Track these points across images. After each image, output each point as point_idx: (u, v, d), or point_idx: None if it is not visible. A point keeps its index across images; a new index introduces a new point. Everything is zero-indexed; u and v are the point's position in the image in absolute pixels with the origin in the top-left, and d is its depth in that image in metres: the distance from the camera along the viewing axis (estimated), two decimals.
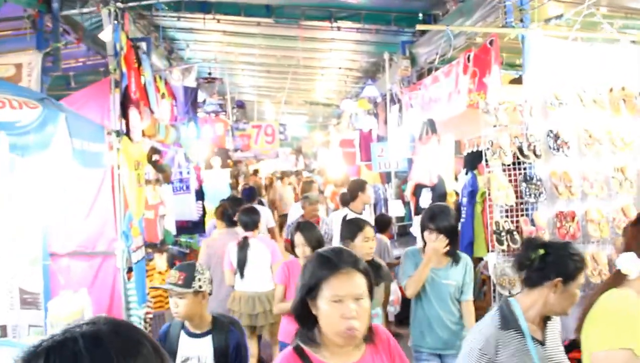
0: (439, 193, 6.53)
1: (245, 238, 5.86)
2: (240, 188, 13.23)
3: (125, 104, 5.46)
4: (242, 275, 5.76)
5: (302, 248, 4.71)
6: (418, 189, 6.77)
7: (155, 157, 6.58)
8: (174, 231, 7.71)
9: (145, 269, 6.14)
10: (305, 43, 11.00)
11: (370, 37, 10.38)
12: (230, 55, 12.23)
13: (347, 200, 6.95)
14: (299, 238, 4.74)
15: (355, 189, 6.68)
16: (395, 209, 9.22)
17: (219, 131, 11.98)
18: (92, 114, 5.33)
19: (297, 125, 23.18)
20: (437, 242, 4.11)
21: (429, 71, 9.36)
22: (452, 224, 4.21)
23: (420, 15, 9.26)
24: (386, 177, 12.95)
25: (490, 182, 5.62)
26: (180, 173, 8.72)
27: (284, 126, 16.07)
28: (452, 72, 7.04)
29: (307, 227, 4.83)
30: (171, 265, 7.34)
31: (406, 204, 9.43)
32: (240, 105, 11.65)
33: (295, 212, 7.65)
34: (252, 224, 5.91)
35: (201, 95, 11.08)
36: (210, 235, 7.64)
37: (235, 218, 6.22)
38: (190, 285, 3.28)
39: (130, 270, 5.65)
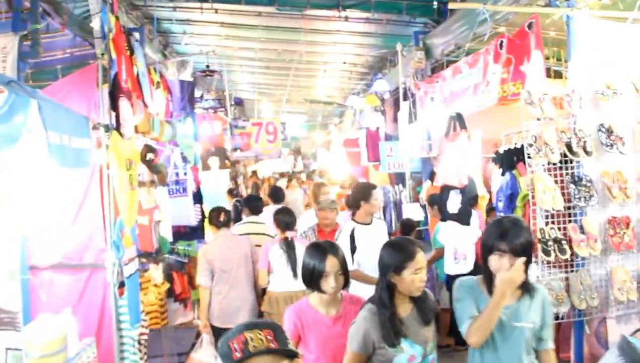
0: (470, 196, 5.81)
1: (289, 239, 5.74)
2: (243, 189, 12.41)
3: (115, 93, 4.71)
4: (295, 274, 5.54)
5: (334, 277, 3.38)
6: (445, 191, 6.04)
7: (149, 156, 5.82)
8: (170, 238, 6.94)
9: (139, 283, 5.38)
10: (309, 35, 10.29)
11: (378, 28, 9.68)
12: (228, 49, 11.47)
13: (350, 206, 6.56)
14: (331, 264, 3.36)
15: (357, 199, 5.69)
16: (412, 213, 8.50)
17: (216, 129, 11.19)
18: (76, 105, 4.58)
19: (295, 124, 22.46)
20: (515, 272, 2.93)
21: (446, 64, 8.66)
22: (529, 241, 3.08)
23: (435, 3, 8.56)
24: (396, 178, 12.27)
25: (534, 184, 4.90)
26: (177, 174, 7.94)
27: (283, 125, 15.28)
28: (479, 62, 6.34)
29: (334, 248, 3.56)
30: (168, 276, 6.58)
31: (423, 208, 8.70)
32: (239, 102, 10.90)
33: (307, 221, 6.74)
34: (292, 224, 5.86)
35: (198, 91, 10.29)
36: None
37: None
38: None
39: (122, 285, 4.90)
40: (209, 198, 9.73)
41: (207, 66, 9.41)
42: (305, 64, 12.53)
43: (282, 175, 19.12)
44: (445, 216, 6.04)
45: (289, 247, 5.69)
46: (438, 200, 7.05)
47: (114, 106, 4.72)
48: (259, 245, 6.12)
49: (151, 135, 6.23)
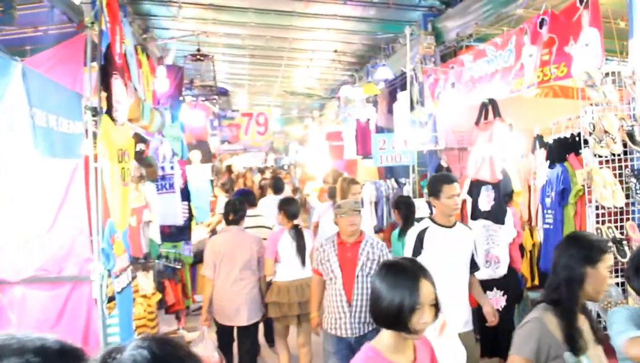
0: (505, 192, 5.08)
1: (298, 226, 5.61)
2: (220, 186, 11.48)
3: (107, 70, 3.81)
4: (303, 263, 5.50)
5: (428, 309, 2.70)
6: (476, 187, 5.30)
7: (139, 147, 4.92)
8: (159, 240, 6.05)
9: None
10: (301, 20, 9.43)
11: (378, 12, 8.88)
12: (212, 35, 10.49)
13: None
14: (426, 291, 2.36)
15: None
16: (417, 209, 7.74)
17: (199, 120, 10.18)
18: (61, 83, 3.66)
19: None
20: None
21: (456, 51, 7.93)
22: None
23: None
24: (387, 172, 11.52)
25: (591, 178, 4.19)
26: (163, 168, 7.03)
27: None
28: (511, 43, 5.60)
29: (423, 269, 2.48)
30: (159, 285, 5.69)
31: (427, 204, 7.95)
32: (223, 92, 9.95)
33: (327, 230, 5.83)
34: (297, 213, 5.76)
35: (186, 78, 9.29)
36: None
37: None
38: None
39: (111, 299, 4.03)
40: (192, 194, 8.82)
41: (198, 50, 8.41)
42: (292, 52, 11.63)
43: (262, 171, 17.97)
44: (475, 214, 5.30)
45: (298, 235, 5.54)
46: (407, 203, 6.61)
47: (106, 85, 3.82)
48: (265, 239, 5.84)
49: (140, 123, 5.36)
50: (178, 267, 6.25)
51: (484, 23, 6.53)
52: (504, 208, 5.07)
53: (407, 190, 8.49)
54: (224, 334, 5.53)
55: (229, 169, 18.31)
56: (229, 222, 5.70)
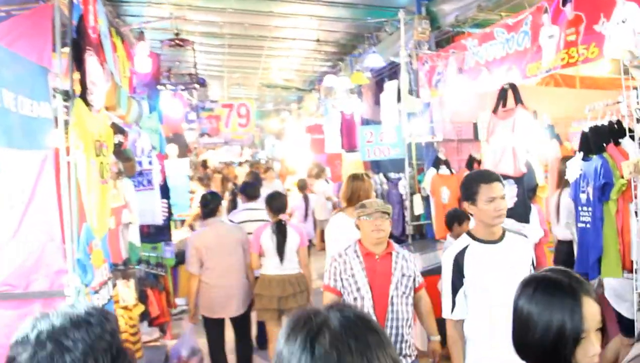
0: (529, 186, 4.56)
1: (282, 222, 5.45)
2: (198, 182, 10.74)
3: (80, 45, 3.14)
4: (281, 259, 5.34)
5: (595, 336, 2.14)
6: None
7: (118, 139, 4.24)
8: (139, 243, 5.37)
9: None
10: (284, 5, 8.79)
11: None
12: (187, 23, 9.74)
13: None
14: (591, 312, 1.77)
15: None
16: (414, 205, 7.25)
17: (176, 112, 9.41)
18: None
19: None
20: None
21: (452, 37, 7.40)
22: None
23: None
24: (374, 167, 10.96)
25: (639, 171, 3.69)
26: (140, 163, 6.33)
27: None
28: (526, 24, 5.09)
29: (583, 284, 1.81)
30: (141, 295, 5.03)
31: (424, 199, 7.43)
32: (202, 82, 9.24)
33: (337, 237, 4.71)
34: (284, 207, 5.68)
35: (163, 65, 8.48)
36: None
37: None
38: None
39: None
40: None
41: (177, 34, 7.63)
42: (272, 41, 10.95)
43: (252, 164, 17.06)
44: None
45: (279, 230, 5.39)
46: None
47: (78, 63, 3.14)
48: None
49: (117, 113, 4.67)
50: (161, 273, 5.57)
51: (487, 5, 6.00)
52: (528, 204, 4.54)
53: (402, 186, 7.94)
54: (213, 329, 5.33)
55: (204, 164, 17.54)
56: (204, 216, 5.58)
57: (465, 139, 7.30)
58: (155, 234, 6.88)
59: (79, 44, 3.10)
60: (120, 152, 4.36)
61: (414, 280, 3.50)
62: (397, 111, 8.94)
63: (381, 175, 10.13)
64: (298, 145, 14.79)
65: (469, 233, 3.12)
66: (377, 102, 9.74)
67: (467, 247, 3.04)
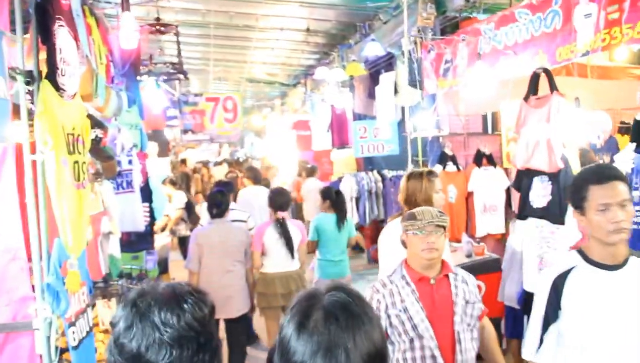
0: (566, 184, 3.99)
1: (284, 219, 5.44)
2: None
3: (47, 11, 2.47)
4: (292, 255, 5.41)
5: None
6: (525, 178, 4.19)
7: (95, 133, 3.56)
8: (119, 254, 4.68)
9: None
10: None
11: None
12: (167, 10, 9.01)
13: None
14: None
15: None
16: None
17: (155, 107, 8.65)
18: None
19: None
20: None
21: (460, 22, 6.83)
22: None
23: None
24: (367, 164, 10.38)
25: None
26: (120, 163, 5.63)
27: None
28: (555, 3, 4.53)
29: None
30: None
31: None
32: (185, 75, 8.53)
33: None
34: (285, 205, 5.61)
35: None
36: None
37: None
38: None
39: (64, 351, 2.74)
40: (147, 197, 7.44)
41: (158, 19, 6.87)
42: (259, 32, 10.27)
43: (231, 163, 16.21)
44: (525, 211, 4.20)
45: (282, 227, 5.39)
46: (329, 193, 6.09)
47: (45, 35, 2.48)
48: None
49: (94, 104, 4.00)
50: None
51: None
52: (564, 204, 3.98)
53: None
54: None
55: (183, 163, 16.79)
56: (213, 216, 5.36)
57: (473, 133, 6.75)
58: (136, 242, 6.17)
59: (45, 9, 2.43)
60: (98, 149, 3.68)
61: (478, 307, 2.75)
62: (393, 105, 8.37)
63: (375, 172, 9.56)
64: (281, 142, 14.12)
65: (580, 252, 2.28)
66: (370, 95, 9.14)
67: (572, 269, 2.23)
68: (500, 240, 6.58)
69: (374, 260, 9.74)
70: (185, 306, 1.36)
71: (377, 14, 9.05)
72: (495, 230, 6.60)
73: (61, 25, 2.49)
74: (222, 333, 5.20)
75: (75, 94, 2.63)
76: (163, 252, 7.78)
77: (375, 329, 1.32)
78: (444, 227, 2.68)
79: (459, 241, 6.63)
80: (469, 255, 5.71)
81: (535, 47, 4.78)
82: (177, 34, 7.09)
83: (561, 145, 4.05)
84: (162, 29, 6.81)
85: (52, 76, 2.46)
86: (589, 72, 6.68)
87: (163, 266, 7.70)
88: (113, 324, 1.35)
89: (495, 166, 6.60)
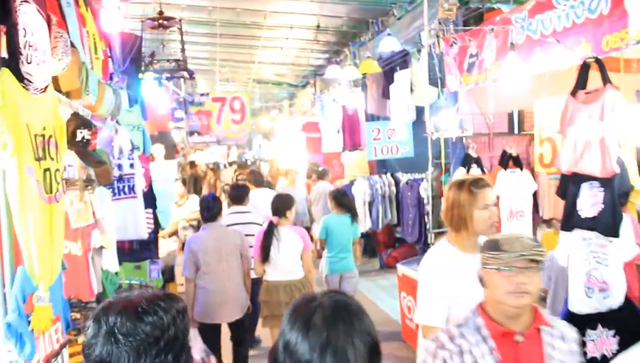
0: (621, 191, 3.43)
1: (271, 223, 5.23)
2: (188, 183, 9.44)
3: None
4: (266, 261, 5.14)
5: None
6: (572, 183, 3.62)
7: (82, 135, 3.01)
8: (116, 267, 4.13)
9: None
10: None
11: None
12: (173, 7, 8.47)
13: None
14: None
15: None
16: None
17: (161, 107, 8.11)
18: None
19: None
20: None
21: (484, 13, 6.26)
22: None
23: None
24: (380, 166, 9.81)
25: None
26: (120, 166, 5.10)
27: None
28: None
29: None
30: None
31: None
32: (191, 74, 7.98)
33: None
34: (280, 210, 5.28)
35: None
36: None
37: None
38: None
39: None
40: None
41: (161, 13, 6.30)
42: (267, 30, 9.74)
43: (241, 166, 15.52)
44: (571, 222, 3.62)
45: (268, 231, 5.17)
46: (341, 196, 6.23)
47: (3, 13, 1.93)
48: (251, 235, 5.55)
49: (84, 101, 3.46)
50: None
51: None
52: (619, 213, 3.40)
53: (424, 189, 6.76)
54: (209, 334, 4.92)
55: (193, 165, 16.26)
56: (205, 220, 5.23)
57: (499, 133, 6.16)
58: (139, 251, 5.65)
59: None
60: (87, 153, 3.13)
61: None
62: (408, 105, 7.81)
63: (389, 175, 8.99)
64: (290, 144, 13.57)
65: None
66: (384, 95, 8.58)
67: None
68: None
69: (386, 266, 9.19)
70: (143, 315, 1.41)
71: (391, 10, 8.49)
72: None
73: (26, 1, 1.95)
74: (224, 336, 5.21)
75: (46, 87, 2.07)
76: (169, 259, 7.26)
77: (371, 323, 1.41)
78: (539, 262, 1.94)
79: None
80: None
81: (577, 36, 4.19)
82: (181, 29, 6.52)
83: (617, 146, 3.47)
84: (165, 23, 6.23)
85: (13, 63, 1.92)
86: (622, 65, 6.09)
87: (169, 274, 7.17)
88: (84, 330, 1.47)
89: (522, 168, 6.00)
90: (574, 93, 3.73)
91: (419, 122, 8.21)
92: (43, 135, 2.02)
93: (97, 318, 1.44)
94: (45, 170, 2.01)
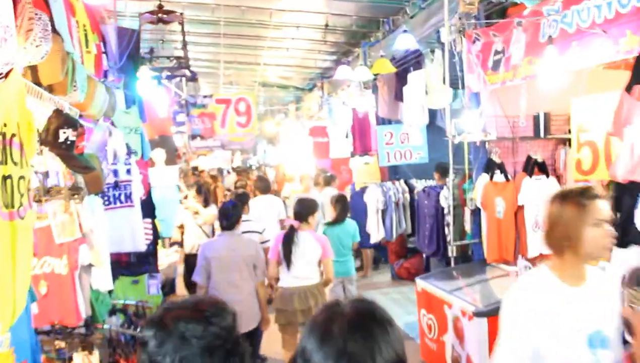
0: None
1: (292, 227, 5.10)
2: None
3: None
4: (288, 266, 4.98)
5: None
6: (628, 194, 3.18)
7: (65, 135, 2.57)
8: (110, 286, 3.69)
9: None
10: None
11: None
12: (172, 6, 8.04)
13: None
14: None
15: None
16: (465, 221, 5.67)
17: (161, 109, 7.66)
18: None
19: None
20: None
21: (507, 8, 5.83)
22: None
23: None
24: (390, 173, 9.37)
25: None
26: (116, 172, 4.68)
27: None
28: None
29: None
30: None
31: (474, 214, 5.82)
32: (193, 75, 7.54)
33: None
34: (300, 214, 5.14)
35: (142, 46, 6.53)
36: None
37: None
38: None
39: None
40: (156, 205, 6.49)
41: (160, 6, 5.85)
42: (273, 30, 9.31)
43: (239, 172, 14.99)
44: (627, 237, 3.18)
45: (289, 235, 5.06)
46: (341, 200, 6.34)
47: None
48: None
49: (72, 98, 3.03)
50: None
51: None
52: None
53: (444, 197, 6.29)
54: None
55: (197, 172, 15.81)
56: (223, 228, 5.11)
57: (524, 137, 5.70)
58: (137, 264, 5.24)
59: None
60: (72, 157, 2.69)
61: None
62: (421, 107, 7.37)
63: (402, 182, 8.54)
64: (297, 149, 13.14)
65: None
66: (397, 97, 8.15)
67: None
68: None
69: (398, 277, 8.73)
70: (210, 317, 1.45)
71: (404, 7, 8.07)
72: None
73: None
74: None
75: (9, 73, 1.64)
76: (169, 271, 6.80)
77: (398, 338, 1.29)
78: None
79: (507, 262, 5.63)
80: None
81: (621, 27, 3.75)
82: (182, 24, 6.08)
83: None
84: (165, 17, 5.80)
85: None
86: None
87: (169, 288, 6.72)
88: (143, 343, 1.43)
89: (548, 175, 5.56)
90: (628, 89, 3.29)
91: (432, 126, 7.78)
92: (3, 134, 1.58)
93: (159, 322, 1.43)
94: (5, 178, 1.57)
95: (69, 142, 2.58)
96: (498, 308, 4.28)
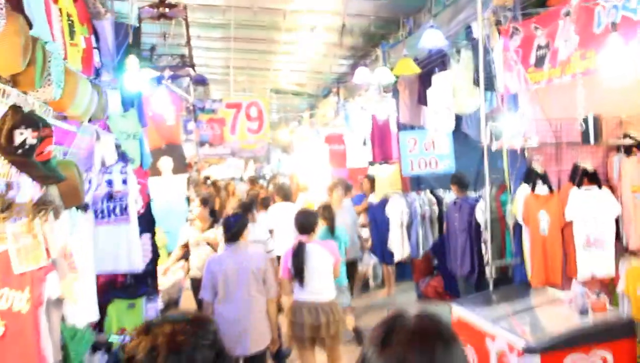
0: None
1: (300, 243, 4.87)
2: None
3: None
4: (301, 283, 4.79)
5: None
6: None
7: (22, 137, 2.02)
8: (92, 317, 3.11)
9: None
10: None
11: None
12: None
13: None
14: None
15: None
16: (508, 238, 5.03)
17: (168, 114, 7.09)
18: None
19: None
20: None
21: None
22: None
23: None
24: (412, 183, 8.71)
25: None
26: (109, 183, 4.11)
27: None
28: None
29: None
30: None
31: (514, 231, 5.16)
32: (200, 81, 6.99)
33: None
34: (305, 227, 4.95)
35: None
36: None
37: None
38: None
39: None
40: (161, 217, 5.94)
41: (162, 0, 5.30)
42: (287, 32, 8.77)
43: (252, 181, 14.30)
44: None
45: (298, 252, 4.87)
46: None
47: None
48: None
49: (45, 95, 2.48)
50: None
51: None
52: None
53: (480, 210, 5.62)
54: None
55: (212, 183, 15.19)
56: (226, 241, 4.84)
57: (570, 142, 5.05)
58: (134, 286, 4.64)
59: None
60: (29, 164, 2.12)
61: None
62: (448, 112, 6.75)
63: (428, 192, 7.87)
64: (312, 158, 12.57)
65: None
66: (420, 101, 7.54)
67: None
68: (608, 286, 4.86)
69: (424, 296, 8.06)
70: (195, 332, 1.46)
71: (426, 6, 7.49)
72: (602, 271, 4.84)
73: None
74: None
75: None
76: (173, 291, 6.20)
77: (460, 356, 1.24)
78: None
79: (554, 285, 4.95)
80: (583, 312, 4.04)
81: None
82: (186, 19, 5.53)
83: None
84: (167, 11, 5.24)
85: None
86: None
87: (173, 309, 6.13)
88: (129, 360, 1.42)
89: (600, 186, 4.89)
90: None
91: (457, 132, 7.17)
92: None
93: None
94: None
95: (27, 146, 2.01)
96: (553, 344, 3.66)
